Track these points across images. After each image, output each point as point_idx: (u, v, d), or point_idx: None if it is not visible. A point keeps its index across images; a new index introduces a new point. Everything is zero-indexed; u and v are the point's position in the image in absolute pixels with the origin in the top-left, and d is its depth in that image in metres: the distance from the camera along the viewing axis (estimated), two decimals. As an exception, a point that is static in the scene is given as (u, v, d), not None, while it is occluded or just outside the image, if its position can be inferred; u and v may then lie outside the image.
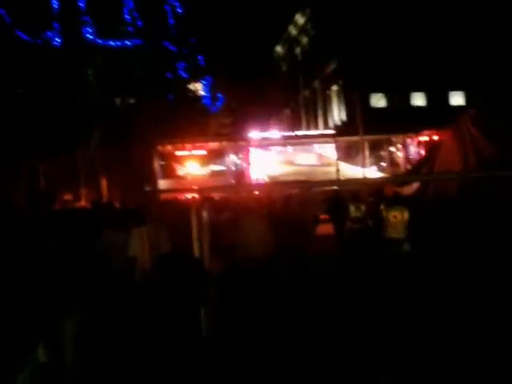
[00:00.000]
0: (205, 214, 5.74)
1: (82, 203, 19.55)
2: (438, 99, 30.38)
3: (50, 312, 5.02)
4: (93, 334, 5.55)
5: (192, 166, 21.24)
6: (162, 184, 20.09)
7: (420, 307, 6.15)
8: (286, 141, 23.11)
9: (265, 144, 22.40)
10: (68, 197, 20.40)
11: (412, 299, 6.39)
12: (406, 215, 8.53)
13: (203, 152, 21.32)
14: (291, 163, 21.72)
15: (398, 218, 8.49)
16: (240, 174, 20.50)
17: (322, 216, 9.46)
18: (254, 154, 21.36)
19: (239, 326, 6.47)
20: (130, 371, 5.49)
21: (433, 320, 5.82)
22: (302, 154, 22.49)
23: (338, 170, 19.50)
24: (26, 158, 19.81)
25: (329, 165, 20.81)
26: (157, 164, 20.94)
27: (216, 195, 10.98)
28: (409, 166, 19.21)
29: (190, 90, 27.63)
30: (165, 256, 7.00)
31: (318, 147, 22.70)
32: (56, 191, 19.64)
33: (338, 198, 13.27)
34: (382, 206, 9.59)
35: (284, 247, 8.07)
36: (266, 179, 20.05)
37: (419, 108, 30.81)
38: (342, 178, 18.23)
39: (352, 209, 13.30)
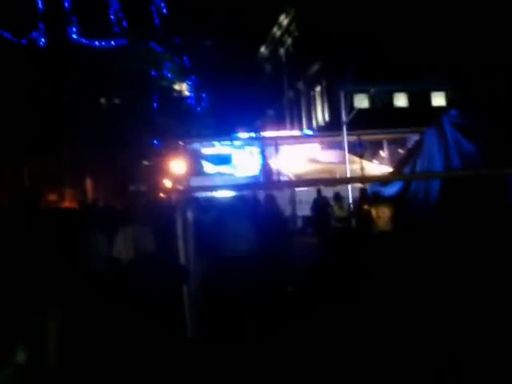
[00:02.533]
0: (189, 214, 5.76)
1: (67, 204, 19.52)
2: (420, 100, 30.66)
3: (27, 313, 4.99)
4: (76, 335, 5.54)
5: (220, 163, 21.60)
6: (193, 181, 20.31)
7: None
8: (311, 139, 23.44)
9: (291, 142, 22.70)
10: (53, 197, 20.36)
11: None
12: (392, 210, 9.31)
13: (230, 150, 21.67)
14: (315, 161, 21.75)
15: (386, 213, 9.21)
16: (267, 172, 20.64)
17: None
18: (281, 152, 21.54)
19: (225, 326, 6.49)
20: (114, 372, 5.50)
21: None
22: (324, 151, 22.56)
23: (362, 168, 19.57)
24: (11, 158, 19.78)
25: (352, 162, 20.86)
26: (187, 162, 21.18)
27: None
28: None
29: (175, 90, 27.72)
30: (141, 255, 7.02)
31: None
32: (41, 191, 19.60)
33: (320, 197, 13.44)
34: (365, 206, 9.84)
35: (267, 246, 8.16)
36: (292, 177, 20.25)
37: (402, 109, 31.07)
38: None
39: (335, 208, 13.48)
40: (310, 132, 29.73)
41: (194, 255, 5.78)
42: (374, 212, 9.02)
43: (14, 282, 5.18)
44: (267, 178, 19.92)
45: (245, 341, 6.18)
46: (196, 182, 20.13)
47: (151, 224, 7.68)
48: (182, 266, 5.45)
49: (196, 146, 21.61)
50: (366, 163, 20.57)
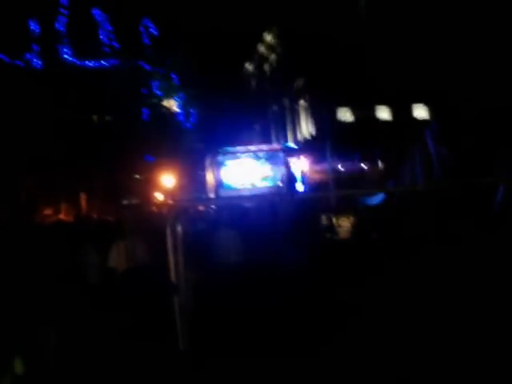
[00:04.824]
0: (179, 226, 5.89)
1: (62, 216, 19.72)
2: (401, 112, 31.05)
3: (26, 324, 5.03)
4: (73, 347, 5.66)
5: (244, 174, 21.75)
6: (221, 193, 20.48)
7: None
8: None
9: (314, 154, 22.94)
10: (48, 211, 20.50)
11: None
12: (352, 220, 9.76)
13: (252, 162, 21.82)
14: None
15: (346, 223, 9.68)
16: (291, 181, 20.71)
17: None
18: (299, 163, 21.68)
19: (216, 337, 6.63)
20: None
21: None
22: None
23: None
24: (8, 173, 20.02)
25: None
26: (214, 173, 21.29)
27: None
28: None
29: (165, 107, 28.12)
30: (134, 267, 7.17)
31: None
32: (37, 205, 19.84)
33: (306, 208, 13.61)
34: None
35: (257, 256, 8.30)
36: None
37: (384, 121, 31.44)
38: None
39: (323, 218, 13.63)
40: (293, 145, 29.99)
41: (185, 267, 5.89)
42: (341, 221, 9.41)
43: (13, 293, 5.31)
44: (291, 188, 20.01)
45: (236, 353, 6.26)
46: (225, 193, 20.34)
47: (144, 237, 7.83)
48: (171, 282, 5.57)
49: (221, 158, 21.75)
50: None
